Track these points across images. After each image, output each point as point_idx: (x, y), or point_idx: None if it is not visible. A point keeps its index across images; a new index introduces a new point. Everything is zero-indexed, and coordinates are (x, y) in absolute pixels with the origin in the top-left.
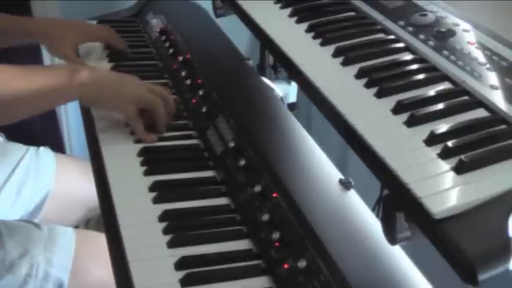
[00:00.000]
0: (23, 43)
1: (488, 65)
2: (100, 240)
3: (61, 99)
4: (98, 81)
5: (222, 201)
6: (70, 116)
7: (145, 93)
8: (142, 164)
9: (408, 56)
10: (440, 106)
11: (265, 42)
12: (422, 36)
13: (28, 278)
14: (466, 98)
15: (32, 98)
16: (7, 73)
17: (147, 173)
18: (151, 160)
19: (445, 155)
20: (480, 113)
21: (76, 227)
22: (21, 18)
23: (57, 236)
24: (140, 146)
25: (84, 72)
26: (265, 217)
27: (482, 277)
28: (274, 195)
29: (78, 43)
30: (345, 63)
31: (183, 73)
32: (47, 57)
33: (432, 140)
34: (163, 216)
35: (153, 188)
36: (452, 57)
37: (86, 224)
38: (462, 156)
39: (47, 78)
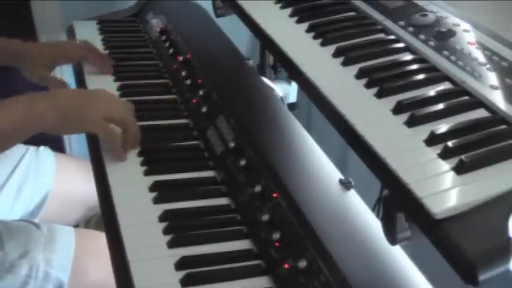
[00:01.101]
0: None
1: (488, 65)
2: (100, 239)
3: (23, 135)
4: (58, 107)
5: (222, 201)
6: None
7: (113, 108)
8: (143, 164)
9: (408, 56)
10: (440, 106)
11: (265, 42)
12: (422, 37)
13: (28, 279)
14: (466, 98)
15: None
16: None
17: (147, 173)
18: (151, 160)
19: (445, 155)
20: (480, 113)
21: (76, 226)
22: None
23: (57, 236)
24: (140, 146)
25: (41, 101)
26: (265, 217)
27: (482, 277)
28: (274, 195)
29: (53, 65)
30: (345, 63)
31: (183, 73)
32: None
33: (432, 140)
34: (164, 216)
35: (153, 188)
36: (453, 58)
37: (86, 223)
38: (462, 157)
39: (1, 118)
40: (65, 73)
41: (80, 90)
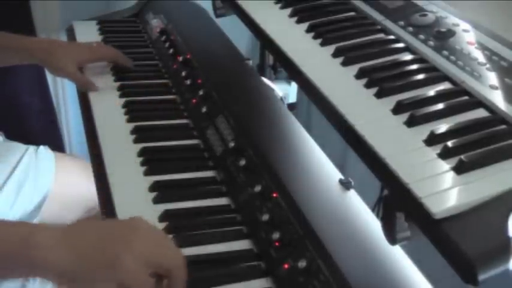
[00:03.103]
0: (22, 63)
1: (488, 65)
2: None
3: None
4: (72, 244)
5: (222, 201)
6: (70, 116)
7: (164, 253)
8: (143, 164)
9: (408, 56)
10: (440, 106)
11: (265, 42)
12: (422, 37)
13: (26, 282)
14: (465, 98)
15: None
16: None
17: (147, 173)
18: (151, 160)
19: (445, 155)
20: (480, 113)
21: None
22: (20, 37)
23: None
24: (140, 146)
25: (44, 235)
26: (265, 217)
27: (482, 277)
28: (274, 195)
29: (80, 62)
30: (345, 63)
31: (183, 73)
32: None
33: (432, 140)
34: (164, 216)
35: (153, 188)
36: (452, 58)
37: None
38: (462, 156)
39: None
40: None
41: (108, 221)
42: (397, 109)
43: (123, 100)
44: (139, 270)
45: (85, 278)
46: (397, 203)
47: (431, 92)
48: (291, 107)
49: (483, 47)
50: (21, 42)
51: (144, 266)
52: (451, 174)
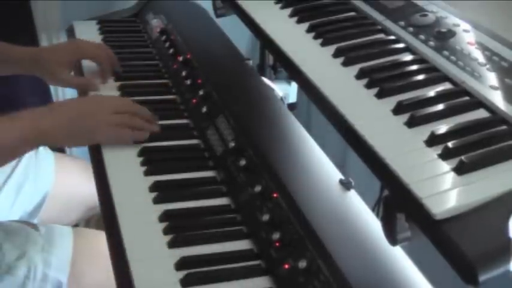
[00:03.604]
0: (19, 73)
1: (488, 66)
2: (98, 238)
3: (28, 150)
4: (62, 121)
5: (222, 201)
6: None
7: (115, 117)
8: (142, 164)
9: (408, 57)
10: (440, 106)
11: (265, 42)
12: (422, 37)
13: (26, 280)
14: (466, 98)
15: None
16: None
17: (147, 173)
18: (151, 160)
19: (445, 155)
20: (480, 113)
21: (76, 226)
22: (11, 47)
23: (55, 236)
24: (140, 146)
25: (46, 117)
26: (265, 217)
27: (482, 277)
28: (274, 195)
29: (70, 63)
30: (345, 64)
31: (183, 73)
32: None
33: (433, 140)
34: (164, 216)
35: (153, 188)
36: (453, 58)
37: (86, 223)
38: (462, 157)
39: (9, 134)
40: None
41: (78, 100)
42: (398, 109)
43: None
44: (108, 122)
45: (73, 141)
46: (398, 204)
47: (431, 92)
48: (291, 107)
49: (483, 47)
50: (10, 52)
51: (110, 117)
52: (452, 174)
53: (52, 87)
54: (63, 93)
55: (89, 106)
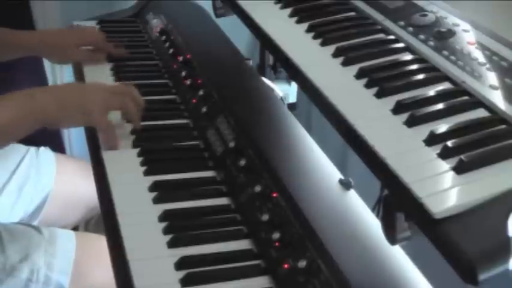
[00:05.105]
0: (21, 56)
1: (488, 65)
2: (100, 243)
3: (22, 130)
4: (57, 99)
5: (222, 201)
6: None
7: (110, 98)
8: (142, 164)
9: (408, 56)
10: (440, 106)
11: (265, 42)
12: (422, 37)
13: (29, 283)
14: (466, 98)
15: None
16: None
17: (147, 173)
18: (151, 160)
19: (445, 154)
20: (480, 113)
21: (76, 226)
22: (17, 32)
23: (58, 239)
24: (140, 146)
25: (41, 94)
26: (265, 217)
27: (482, 277)
28: (274, 195)
29: (76, 46)
30: (345, 63)
31: (183, 73)
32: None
33: (432, 140)
34: (163, 216)
35: (153, 188)
36: (452, 58)
37: (86, 224)
38: (462, 156)
39: (6, 113)
40: (65, 72)
41: (77, 83)
42: (397, 109)
43: None
44: (100, 111)
45: (66, 121)
46: (397, 203)
47: (431, 92)
48: (291, 107)
49: (483, 47)
50: (16, 37)
51: (103, 109)
52: (451, 174)
53: (49, 74)
54: (61, 80)
55: (87, 86)
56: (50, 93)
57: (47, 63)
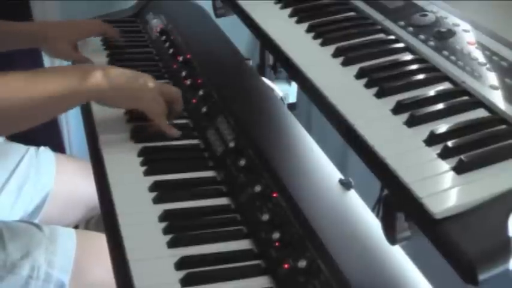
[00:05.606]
0: (21, 48)
1: (488, 65)
2: (101, 241)
3: (74, 104)
4: (115, 80)
5: (222, 201)
6: (70, 116)
7: (161, 87)
8: (142, 164)
9: (408, 56)
10: (440, 106)
11: (265, 42)
12: (422, 37)
13: (29, 280)
14: (466, 98)
15: (44, 106)
16: (17, 81)
17: (147, 173)
18: (151, 160)
19: (445, 154)
20: (480, 113)
21: (76, 226)
22: (15, 23)
23: (59, 237)
24: (140, 146)
25: (97, 73)
26: (265, 217)
27: (482, 277)
28: (274, 195)
29: (75, 40)
30: (345, 63)
31: (183, 73)
32: (47, 58)
33: (432, 140)
34: (163, 216)
35: (153, 188)
36: (453, 58)
37: (86, 224)
38: (462, 156)
39: (58, 84)
40: None
41: (133, 71)
42: (397, 109)
43: None
44: (155, 98)
45: (117, 102)
46: (397, 203)
47: (431, 92)
48: (291, 107)
49: (483, 47)
50: (14, 27)
51: (157, 95)
52: (451, 174)
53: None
54: None
55: (143, 75)
56: (109, 72)
57: (46, 61)
